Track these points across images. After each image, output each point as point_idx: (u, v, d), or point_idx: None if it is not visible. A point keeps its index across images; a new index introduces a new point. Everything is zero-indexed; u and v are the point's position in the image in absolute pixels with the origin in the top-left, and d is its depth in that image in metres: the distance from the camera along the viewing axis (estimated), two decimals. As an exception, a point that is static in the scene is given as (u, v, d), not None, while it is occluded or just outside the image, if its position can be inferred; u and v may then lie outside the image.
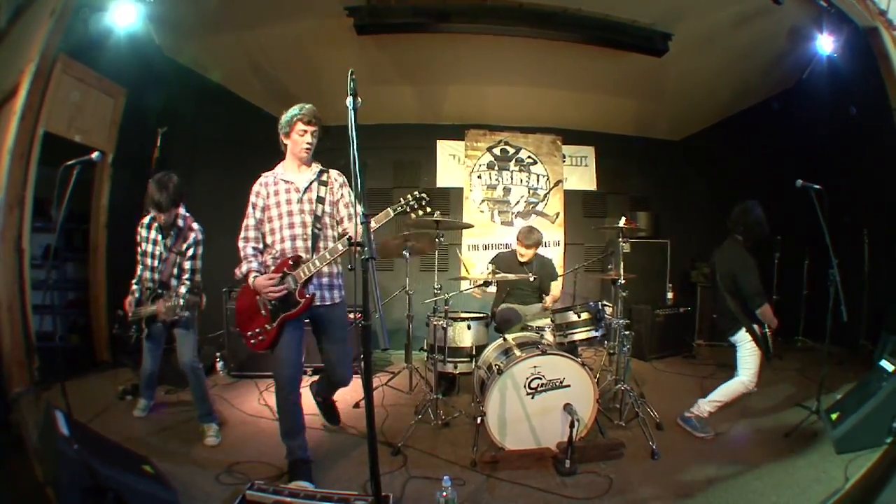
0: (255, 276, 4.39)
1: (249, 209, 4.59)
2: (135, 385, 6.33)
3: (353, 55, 7.93)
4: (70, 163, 4.66)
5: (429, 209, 4.40)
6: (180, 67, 8.02)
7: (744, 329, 5.42)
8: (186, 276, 5.50)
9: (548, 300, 6.99)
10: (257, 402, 6.50)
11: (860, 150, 7.86)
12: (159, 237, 5.56)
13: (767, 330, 5.42)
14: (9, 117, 5.35)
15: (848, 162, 8.05)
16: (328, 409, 5.45)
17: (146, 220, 5.65)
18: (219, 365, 7.63)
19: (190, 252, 5.51)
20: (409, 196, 4.36)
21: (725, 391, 5.47)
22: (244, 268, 4.48)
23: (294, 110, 4.47)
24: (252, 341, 4.46)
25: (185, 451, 5.02)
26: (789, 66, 8.06)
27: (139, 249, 5.65)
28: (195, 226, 5.61)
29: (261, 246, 4.61)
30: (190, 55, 8.01)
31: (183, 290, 5.34)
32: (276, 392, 4.47)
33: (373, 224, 4.04)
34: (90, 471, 3.23)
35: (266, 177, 4.65)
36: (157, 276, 5.54)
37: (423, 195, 4.37)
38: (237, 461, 4.72)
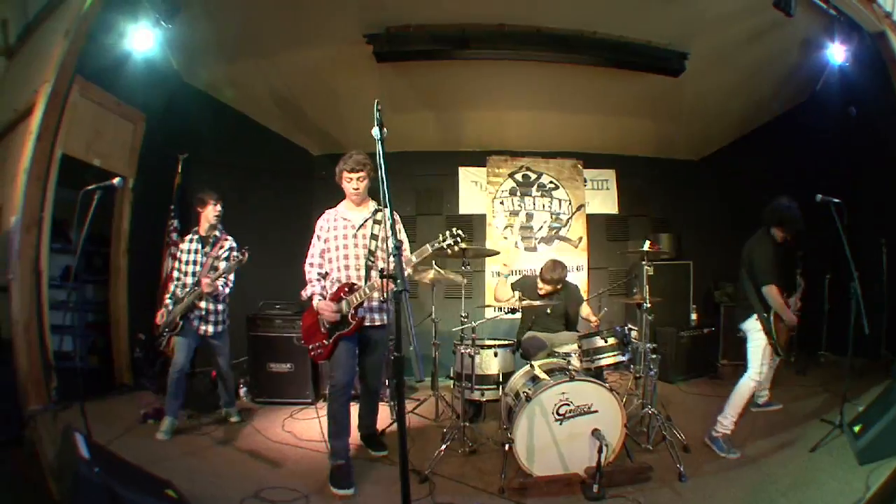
0: (319, 300, 5.06)
1: (315, 239, 5.34)
2: (157, 409, 6.37)
3: (372, 82, 8.01)
4: (90, 187, 4.78)
5: (464, 246, 4.86)
6: (200, 93, 8.15)
7: (755, 316, 5.52)
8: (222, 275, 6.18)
9: (593, 319, 6.87)
10: (281, 428, 6.49)
11: (877, 159, 7.79)
12: (199, 247, 6.33)
13: (774, 319, 5.47)
14: (24, 137, 5.45)
15: (865, 171, 8.01)
16: (372, 438, 5.81)
17: (187, 237, 6.48)
18: (242, 391, 7.63)
19: (224, 255, 6.27)
20: (446, 233, 4.67)
21: (737, 395, 5.53)
22: (309, 290, 5.19)
23: (341, 163, 5.17)
24: (313, 353, 5.14)
25: (209, 475, 5.04)
26: (803, 79, 8.05)
27: (177, 266, 6.34)
28: (230, 238, 6.44)
29: (323, 271, 5.29)
30: (209, 81, 8.14)
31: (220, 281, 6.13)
32: (329, 396, 5.09)
33: (413, 258, 4.86)
34: (111, 494, 3.23)
35: (329, 213, 5.39)
36: (193, 278, 6.19)
37: (460, 232, 4.69)
38: (261, 487, 4.73)
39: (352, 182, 5.14)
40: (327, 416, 5.03)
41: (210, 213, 6.31)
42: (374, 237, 5.19)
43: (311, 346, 5.15)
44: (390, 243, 3.27)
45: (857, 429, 5.11)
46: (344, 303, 4.95)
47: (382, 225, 5.13)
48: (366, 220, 5.24)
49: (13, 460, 4.73)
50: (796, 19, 6.17)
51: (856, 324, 5.40)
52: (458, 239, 4.66)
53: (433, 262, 6.94)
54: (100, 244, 7.77)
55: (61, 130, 5.92)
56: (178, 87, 7.80)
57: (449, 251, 4.77)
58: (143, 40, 6.40)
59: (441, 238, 4.68)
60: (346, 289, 5.00)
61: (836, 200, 5.41)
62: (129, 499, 3.34)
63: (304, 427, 6.42)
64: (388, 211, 3.25)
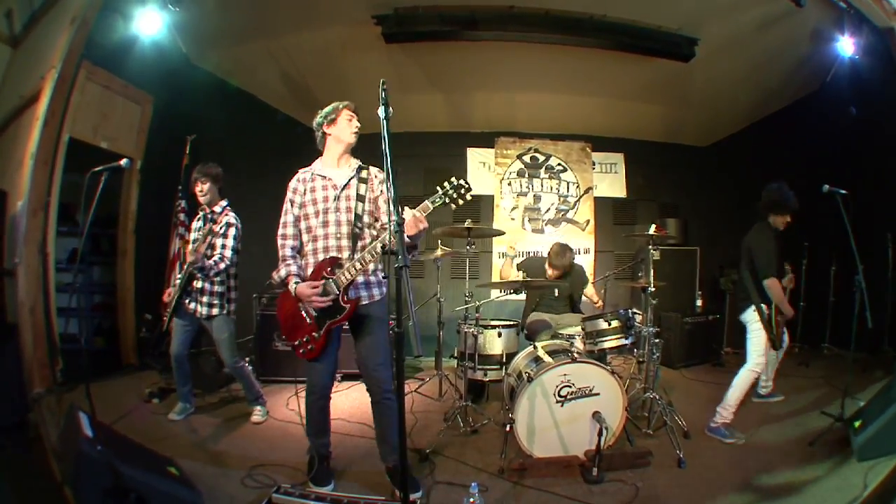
0: (297, 283, 4.17)
1: (287, 205, 4.40)
2: (161, 388, 6.49)
3: (381, 63, 8.05)
4: (97, 169, 4.70)
5: (469, 197, 3.95)
6: (208, 75, 8.19)
7: (753, 307, 5.53)
8: (216, 251, 5.62)
9: (597, 300, 7.20)
10: (285, 406, 6.57)
11: (886, 153, 7.77)
12: (202, 224, 5.83)
13: (774, 312, 5.50)
14: (31, 123, 5.46)
15: (874, 165, 8.01)
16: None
17: (197, 216, 6.01)
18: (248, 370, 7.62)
19: (221, 231, 5.66)
20: (446, 184, 3.94)
21: (737, 385, 5.55)
22: (283, 271, 4.29)
23: (336, 103, 4.43)
24: (301, 350, 4.22)
25: (211, 453, 5.10)
26: (813, 70, 8.06)
27: (189, 248, 5.77)
28: (231, 214, 5.82)
29: (298, 245, 4.39)
30: (217, 63, 8.17)
31: (214, 258, 5.57)
32: (307, 397, 4.36)
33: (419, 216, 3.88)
34: (113, 472, 3.25)
35: (303, 172, 4.45)
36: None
37: (463, 181, 3.94)
38: (263, 464, 4.77)
39: (353, 121, 4.38)
40: (305, 416, 4.44)
41: (196, 191, 5.88)
42: (360, 198, 4.29)
43: (296, 343, 4.24)
44: (393, 217, 2.98)
45: (856, 424, 5.10)
46: (331, 284, 4.07)
47: (370, 185, 4.36)
48: (350, 179, 4.33)
49: (16, 444, 4.71)
50: (807, 10, 6.22)
51: (859, 317, 5.39)
52: (461, 189, 3.92)
53: (439, 241, 6.98)
54: (106, 226, 7.83)
55: (68, 115, 5.98)
56: (186, 69, 7.85)
57: (453, 205, 3.96)
58: (150, 23, 6.47)
59: (441, 192, 3.95)
60: (328, 267, 4.13)
61: (843, 191, 5.38)
62: (130, 476, 3.35)
63: (307, 405, 6.46)
64: (388, 175, 3.05)
